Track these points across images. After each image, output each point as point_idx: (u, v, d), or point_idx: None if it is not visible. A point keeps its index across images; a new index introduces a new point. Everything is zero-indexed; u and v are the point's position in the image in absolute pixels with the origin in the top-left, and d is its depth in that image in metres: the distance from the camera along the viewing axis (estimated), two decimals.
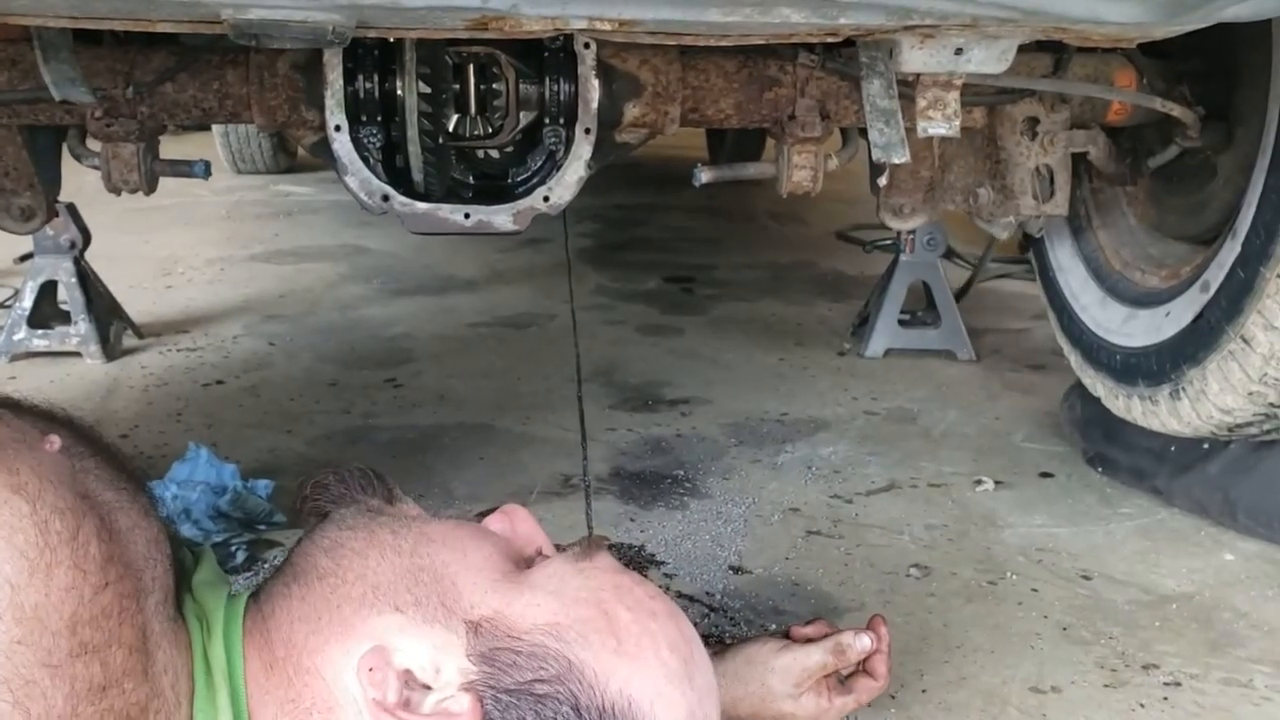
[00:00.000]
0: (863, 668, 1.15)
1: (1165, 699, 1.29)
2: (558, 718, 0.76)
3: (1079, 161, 1.70)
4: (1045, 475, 1.88)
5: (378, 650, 0.77)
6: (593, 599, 0.81)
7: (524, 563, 0.86)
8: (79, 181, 2.07)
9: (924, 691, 1.29)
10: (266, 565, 1.54)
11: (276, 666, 0.80)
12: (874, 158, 1.24)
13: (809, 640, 1.16)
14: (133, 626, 0.73)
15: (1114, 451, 1.82)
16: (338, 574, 0.82)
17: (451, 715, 0.76)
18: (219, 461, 1.69)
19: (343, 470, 0.93)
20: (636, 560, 1.58)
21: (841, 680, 1.15)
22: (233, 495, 1.62)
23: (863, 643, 1.13)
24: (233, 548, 1.56)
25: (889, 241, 2.60)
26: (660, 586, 1.50)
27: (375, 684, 0.76)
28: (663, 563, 1.58)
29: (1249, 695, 1.30)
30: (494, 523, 0.91)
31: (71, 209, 2.38)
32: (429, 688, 0.77)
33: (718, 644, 1.22)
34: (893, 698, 1.28)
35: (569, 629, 0.79)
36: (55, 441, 0.77)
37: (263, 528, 1.63)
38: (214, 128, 4.42)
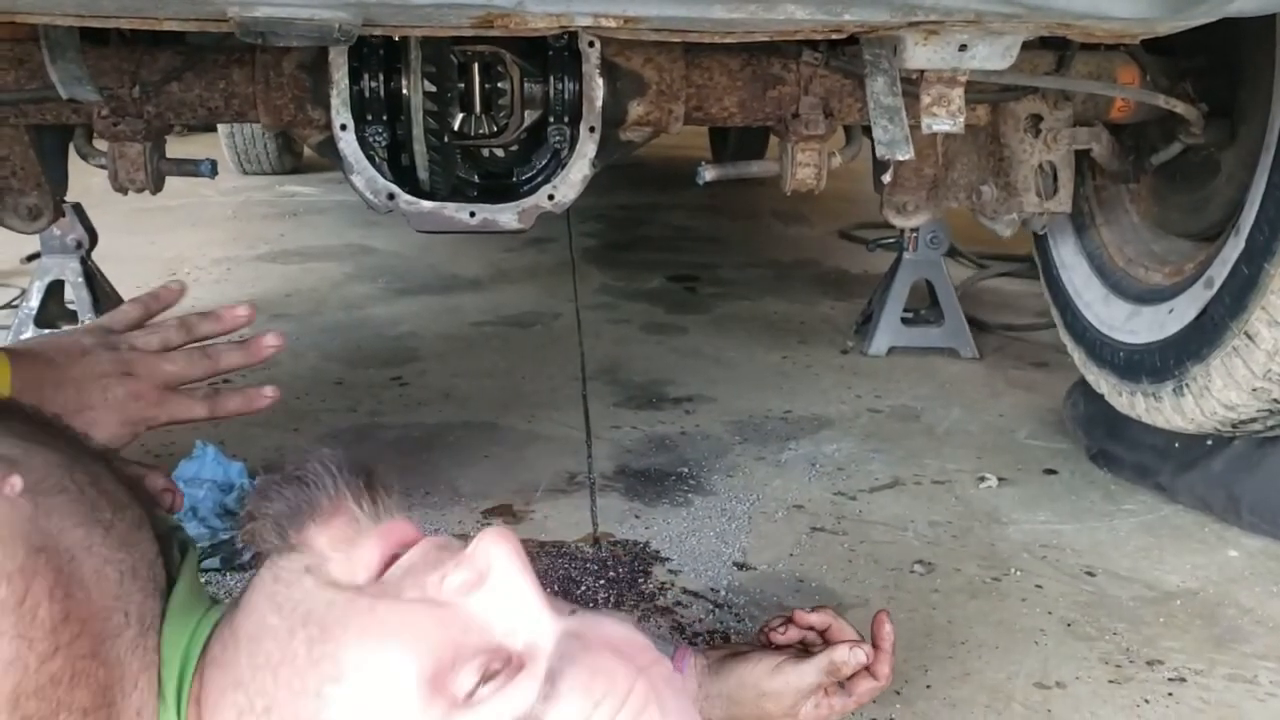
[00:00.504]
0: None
1: (1170, 695, 1.30)
2: None
3: (1082, 159, 1.70)
4: (1049, 472, 1.89)
5: None
6: None
7: (477, 664, 0.71)
8: (86, 182, 2.08)
9: (929, 687, 1.30)
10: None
11: None
12: (878, 155, 1.24)
13: (804, 645, 1.16)
14: (88, 688, 0.68)
15: (1117, 448, 1.82)
16: (249, 691, 0.73)
17: None
18: (226, 459, 1.70)
19: (295, 476, 0.79)
20: (642, 557, 1.58)
21: (841, 682, 1.14)
22: (239, 493, 1.63)
23: (857, 658, 1.11)
24: (240, 545, 1.56)
25: (892, 240, 2.60)
26: (664, 583, 1.51)
27: None
28: (667, 559, 1.58)
29: (1254, 691, 1.31)
30: (460, 575, 0.74)
31: (78, 209, 2.39)
32: None
33: (715, 647, 1.22)
34: (898, 693, 1.28)
35: None
36: (15, 484, 0.70)
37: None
38: (219, 128, 4.43)
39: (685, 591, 1.50)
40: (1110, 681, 1.32)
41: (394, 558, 0.77)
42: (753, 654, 1.14)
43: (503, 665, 0.71)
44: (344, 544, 0.76)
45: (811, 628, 1.16)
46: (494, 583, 0.73)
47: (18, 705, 0.64)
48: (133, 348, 1.13)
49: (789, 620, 1.17)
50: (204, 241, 3.50)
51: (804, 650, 1.16)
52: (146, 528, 0.82)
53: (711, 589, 1.50)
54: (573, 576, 1.52)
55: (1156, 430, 1.70)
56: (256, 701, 0.72)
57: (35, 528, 0.68)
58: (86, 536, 0.73)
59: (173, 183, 1.85)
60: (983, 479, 1.84)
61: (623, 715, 0.70)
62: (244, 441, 1.88)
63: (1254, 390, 1.46)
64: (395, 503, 0.80)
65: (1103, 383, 1.82)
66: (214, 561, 1.53)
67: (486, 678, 0.70)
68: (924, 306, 2.51)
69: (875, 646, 1.14)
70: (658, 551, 1.61)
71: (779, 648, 1.16)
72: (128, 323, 1.17)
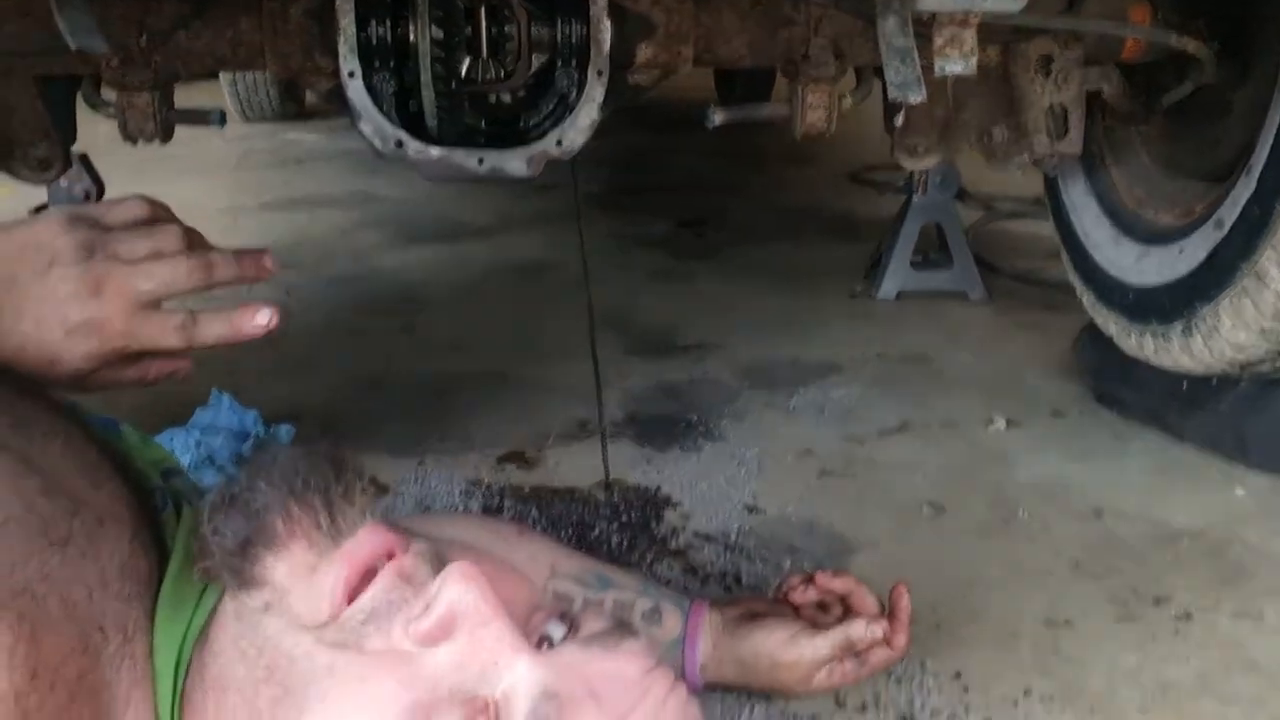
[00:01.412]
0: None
1: (1176, 632, 1.31)
2: None
3: (1093, 99, 1.69)
4: (1057, 414, 1.89)
5: None
6: None
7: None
8: (91, 132, 2.08)
9: (938, 626, 1.31)
10: None
11: None
12: (890, 97, 1.23)
13: (822, 605, 1.18)
14: None
15: (1126, 391, 1.83)
16: None
17: None
18: (241, 408, 1.71)
19: (248, 504, 0.73)
20: (654, 501, 1.60)
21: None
22: (255, 441, 1.64)
23: (874, 633, 1.12)
24: None
25: (901, 183, 2.59)
26: (676, 527, 1.53)
27: None
28: (679, 503, 1.60)
29: (1260, 627, 1.32)
30: (425, 627, 0.70)
31: (85, 159, 2.38)
32: None
33: (732, 602, 1.23)
34: None
35: None
36: None
37: None
38: (222, 76, 4.41)
39: (697, 535, 1.51)
40: (1117, 619, 1.34)
41: (363, 577, 0.72)
42: (769, 620, 1.15)
43: (481, 717, 0.68)
44: (304, 572, 0.71)
45: (832, 592, 1.17)
46: (463, 631, 0.69)
47: None
48: (114, 256, 0.93)
49: (809, 580, 1.17)
50: (209, 190, 3.49)
51: (821, 609, 1.18)
52: (116, 512, 0.77)
53: (723, 532, 1.52)
54: (586, 521, 1.54)
55: (1164, 373, 1.71)
56: None
57: None
58: (41, 566, 0.68)
59: (176, 131, 1.85)
60: (991, 422, 1.85)
61: None
62: (257, 391, 1.89)
63: (1262, 331, 1.46)
64: (360, 505, 0.74)
65: (1111, 324, 1.82)
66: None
67: None
68: (933, 250, 2.50)
69: (892, 615, 1.15)
70: (669, 496, 1.62)
71: (795, 607, 1.18)
72: (125, 221, 0.97)
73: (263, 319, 0.99)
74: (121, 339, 0.92)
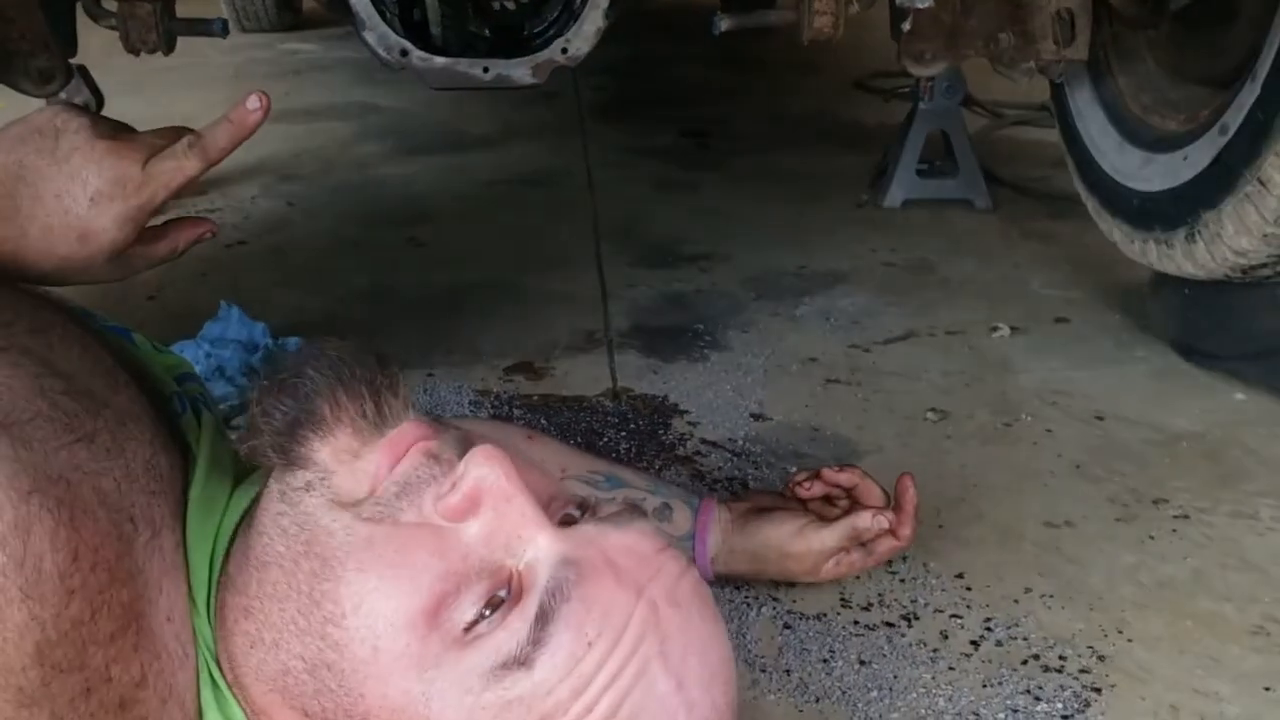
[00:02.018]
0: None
1: (1174, 531, 1.35)
2: None
3: (1100, 4, 1.67)
4: (1061, 320, 1.91)
5: None
6: None
7: (475, 593, 0.70)
8: (86, 43, 2.06)
9: (941, 527, 1.35)
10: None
11: (237, 685, 0.75)
12: (897, 1, 1.23)
13: (828, 498, 1.21)
14: (111, 616, 0.67)
15: (1212, 344, 1.73)
16: (258, 620, 0.73)
17: None
18: (249, 321, 1.73)
19: (296, 387, 0.74)
20: (661, 409, 1.62)
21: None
22: (264, 353, 1.66)
23: (880, 524, 1.16)
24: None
25: (907, 89, 2.57)
26: (683, 434, 1.56)
27: None
28: (686, 411, 1.62)
29: (1255, 526, 1.35)
30: (453, 502, 0.72)
31: (83, 70, 2.35)
32: None
33: (740, 498, 1.26)
34: None
35: None
36: None
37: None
38: None
39: (704, 442, 1.54)
40: (1117, 520, 1.37)
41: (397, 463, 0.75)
42: (777, 514, 1.18)
43: (505, 589, 0.71)
44: (348, 456, 0.73)
45: (838, 485, 1.20)
46: (488, 506, 0.72)
47: (44, 659, 0.63)
48: (117, 125, 0.94)
49: (816, 476, 1.20)
50: (207, 102, 3.45)
51: (828, 503, 1.21)
52: (137, 413, 0.78)
53: (729, 439, 1.54)
54: (594, 429, 1.56)
55: (1252, 326, 1.64)
56: (265, 635, 0.72)
57: (20, 468, 0.65)
58: (72, 457, 0.70)
59: None
60: (995, 329, 1.87)
61: (618, 652, 0.69)
62: (264, 303, 1.91)
63: (1265, 236, 1.47)
64: (403, 399, 0.76)
65: (1116, 231, 1.82)
66: (243, 420, 1.57)
67: (489, 605, 0.70)
68: (939, 158, 2.50)
69: (898, 507, 1.18)
70: (676, 404, 1.64)
71: (803, 502, 1.21)
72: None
73: (254, 104, 0.96)
74: (144, 190, 0.90)
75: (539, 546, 0.71)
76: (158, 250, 0.97)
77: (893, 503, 1.19)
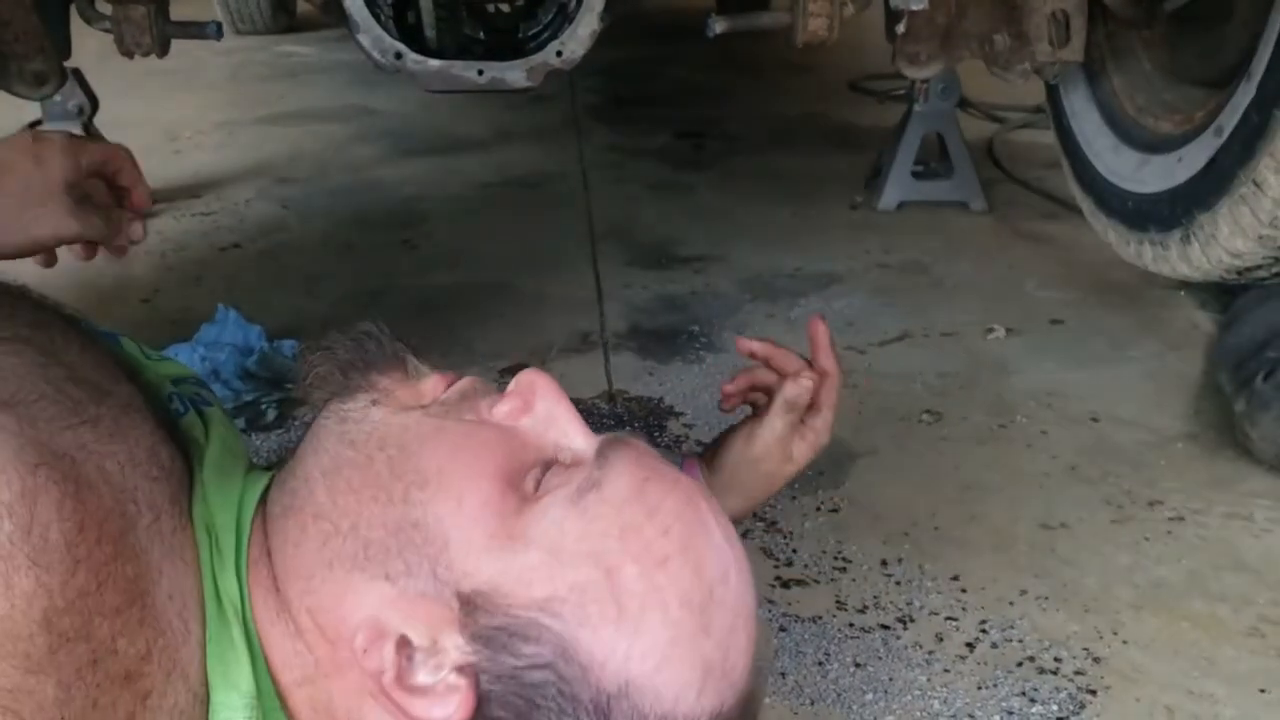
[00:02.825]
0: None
1: (1169, 533, 1.35)
2: (550, 704, 0.70)
3: (1095, 5, 1.68)
4: (1055, 322, 1.91)
5: (371, 623, 0.72)
6: (594, 553, 0.72)
7: (533, 478, 0.76)
8: (80, 46, 2.06)
9: (936, 529, 1.35)
10: (297, 422, 1.59)
11: (282, 613, 0.76)
12: (892, 4, 1.23)
13: (751, 403, 1.13)
14: (116, 588, 0.68)
15: None
16: (332, 518, 0.75)
17: (447, 694, 0.71)
18: (245, 323, 1.72)
19: (345, 340, 0.83)
20: (656, 412, 1.62)
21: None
22: (260, 356, 1.66)
23: (804, 384, 1.07)
24: (263, 406, 1.60)
25: (902, 91, 2.57)
26: (679, 436, 1.56)
27: (370, 660, 0.72)
28: (681, 413, 1.62)
29: (1249, 528, 1.35)
30: (507, 405, 0.79)
31: (78, 74, 2.36)
32: (427, 658, 0.72)
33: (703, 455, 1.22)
34: (906, 534, 1.33)
35: (565, 601, 0.71)
36: None
37: (290, 386, 1.67)
38: None
39: (700, 444, 1.53)
40: (1112, 521, 1.37)
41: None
42: (723, 438, 1.12)
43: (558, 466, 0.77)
44: (405, 382, 0.82)
45: (752, 354, 1.12)
46: (539, 408, 0.78)
47: (51, 626, 0.64)
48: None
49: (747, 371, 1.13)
50: (203, 105, 3.46)
51: (760, 392, 1.12)
52: (137, 405, 0.80)
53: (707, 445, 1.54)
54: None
55: None
56: (341, 523, 0.75)
57: (27, 442, 0.66)
58: (76, 438, 0.71)
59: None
60: (990, 330, 1.87)
61: (675, 495, 0.75)
62: (259, 306, 1.91)
63: (1260, 238, 1.47)
64: (436, 364, 0.85)
65: (1110, 233, 1.82)
66: (239, 423, 1.57)
67: (546, 473, 0.76)
68: (934, 159, 2.50)
69: (813, 350, 1.11)
70: (671, 406, 1.64)
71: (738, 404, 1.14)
72: (104, 199, 1.05)
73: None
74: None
75: (585, 441, 0.77)
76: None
77: (810, 354, 1.10)
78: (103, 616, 0.66)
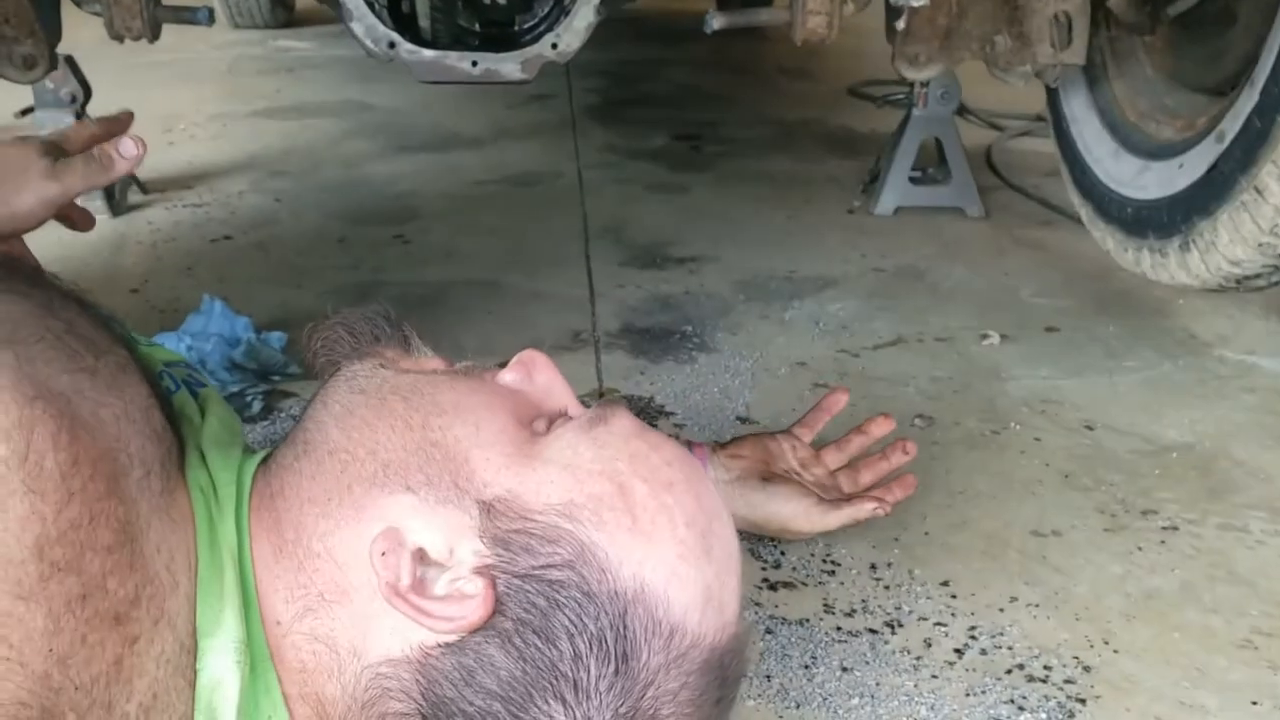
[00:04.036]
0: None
1: (1162, 542, 1.33)
2: (569, 603, 0.72)
3: (1097, 9, 1.66)
4: (1051, 329, 1.89)
5: (390, 532, 0.73)
6: (607, 471, 0.76)
7: (542, 422, 0.80)
8: (75, 36, 2.04)
9: (927, 534, 1.33)
10: (283, 415, 1.57)
11: (285, 549, 0.76)
12: (892, 1, 1.21)
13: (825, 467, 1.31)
14: (108, 527, 0.68)
15: None
16: (348, 449, 0.78)
17: (465, 598, 0.72)
18: (232, 314, 1.70)
19: (355, 316, 0.88)
20: (647, 411, 1.60)
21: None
22: (246, 347, 1.64)
23: (879, 514, 1.25)
24: (249, 398, 1.58)
25: (901, 96, 2.55)
26: (670, 435, 1.53)
27: (388, 567, 0.72)
28: (672, 413, 1.60)
29: (1244, 539, 1.34)
30: (511, 374, 0.84)
31: (71, 61, 2.34)
32: (443, 569, 0.74)
33: (731, 452, 1.28)
34: (896, 539, 1.32)
35: (582, 508, 0.74)
36: None
37: (277, 378, 1.65)
38: None
39: (689, 443, 1.51)
40: (1105, 530, 1.35)
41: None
42: (781, 488, 1.25)
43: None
44: (410, 356, 0.87)
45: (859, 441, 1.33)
46: (539, 378, 0.85)
47: (43, 554, 0.64)
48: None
49: (844, 444, 1.34)
50: (198, 97, 3.44)
51: (815, 457, 1.31)
52: (133, 369, 0.81)
53: (716, 440, 1.52)
54: None
55: None
56: (358, 452, 0.77)
57: (24, 376, 0.67)
58: (74, 382, 0.72)
59: (164, 37, 1.80)
60: (985, 336, 1.85)
61: (670, 445, 0.80)
62: (248, 298, 1.89)
63: (1260, 245, 1.46)
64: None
65: (1109, 239, 1.81)
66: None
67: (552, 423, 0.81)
68: (932, 165, 2.48)
69: (898, 485, 1.30)
70: (662, 406, 1.63)
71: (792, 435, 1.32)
72: (82, 142, 1.01)
73: (129, 150, 1.00)
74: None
75: (580, 411, 0.82)
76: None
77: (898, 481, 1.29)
78: (94, 552, 0.67)
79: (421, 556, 0.73)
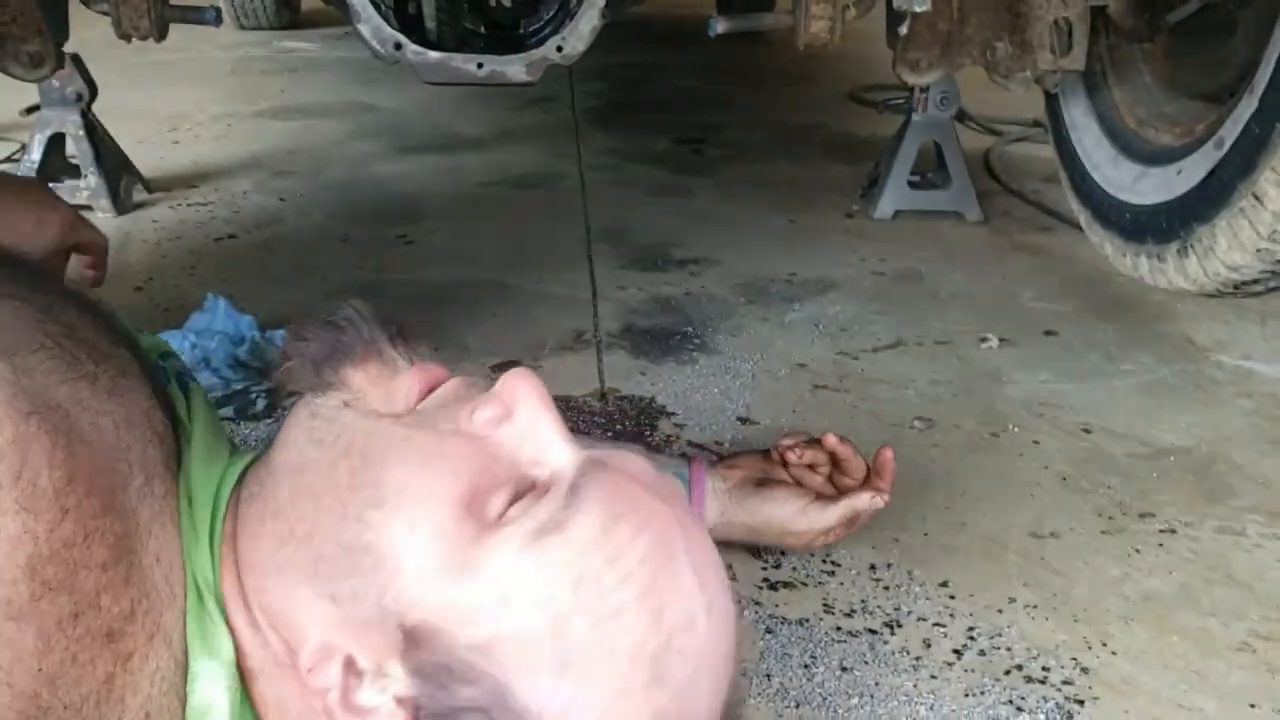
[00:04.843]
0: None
1: (1160, 545, 1.34)
2: None
3: (1097, 15, 1.67)
4: (1050, 333, 1.90)
5: (320, 644, 0.71)
6: (544, 602, 0.69)
7: (501, 497, 0.72)
8: (81, 36, 2.05)
9: (925, 535, 1.34)
10: (286, 412, 1.57)
11: (246, 602, 0.75)
12: (895, 5, 1.22)
13: (810, 465, 1.26)
14: (103, 543, 0.67)
15: None
16: (289, 519, 0.74)
17: (391, 716, 0.70)
18: (236, 312, 1.71)
19: (324, 327, 0.80)
20: (648, 411, 1.61)
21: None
22: (251, 345, 1.65)
23: (876, 505, 1.24)
24: (253, 395, 1.59)
25: (901, 100, 2.56)
26: (670, 436, 1.55)
27: (317, 677, 0.71)
28: (673, 414, 1.61)
29: (1241, 543, 1.35)
30: (488, 411, 0.75)
31: (77, 60, 2.34)
32: (371, 681, 0.71)
33: (729, 464, 1.28)
34: (896, 540, 1.32)
35: (507, 647, 0.69)
36: None
37: None
38: None
39: (690, 444, 1.53)
40: (1103, 532, 1.36)
41: (428, 392, 0.78)
42: (777, 491, 1.23)
43: (529, 490, 0.73)
44: (381, 380, 0.78)
45: (833, 455, 1.25)
46: (520, 416, 0.75)
47: (35, 574, 0.64)
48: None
49: (813, 443, 1.26)
50: (203, 97, 3.45)
51: (809, 468, 1.27)
52: (134, 371, 0.80)
53: (716, 441, 1.53)
54: (580, 428, 1.55)
55: None
56: (297, 528, 0.73)
57: (20, 390, 0.66)
58: (73, 392, 0.71)
59: (170, 38, 1.81)
60: (984, 340, 1.86)
61: (645, 535, 0.70)
62: (252, 297, 1.89)
63: (1258, 251, 1.47)
64: (424, 350, 0.81)
65: (1108, 245, 1.82)
66: (228, 411, 1.56)
67: (515, 498, 0.72)
68: (931, 169, 2.49)
69: (878, 476, 1.25)
70: (663, 406, 1.64)
71: (784, 461, 1.27)
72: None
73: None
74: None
75: (564, 458, 0.74)
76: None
77: (873, 471, 1.26)
78: (88, 570, 0.66)
79: (350, 664, 0.71)
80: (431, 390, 0.78)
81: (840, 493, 1.26)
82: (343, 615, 0.71)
